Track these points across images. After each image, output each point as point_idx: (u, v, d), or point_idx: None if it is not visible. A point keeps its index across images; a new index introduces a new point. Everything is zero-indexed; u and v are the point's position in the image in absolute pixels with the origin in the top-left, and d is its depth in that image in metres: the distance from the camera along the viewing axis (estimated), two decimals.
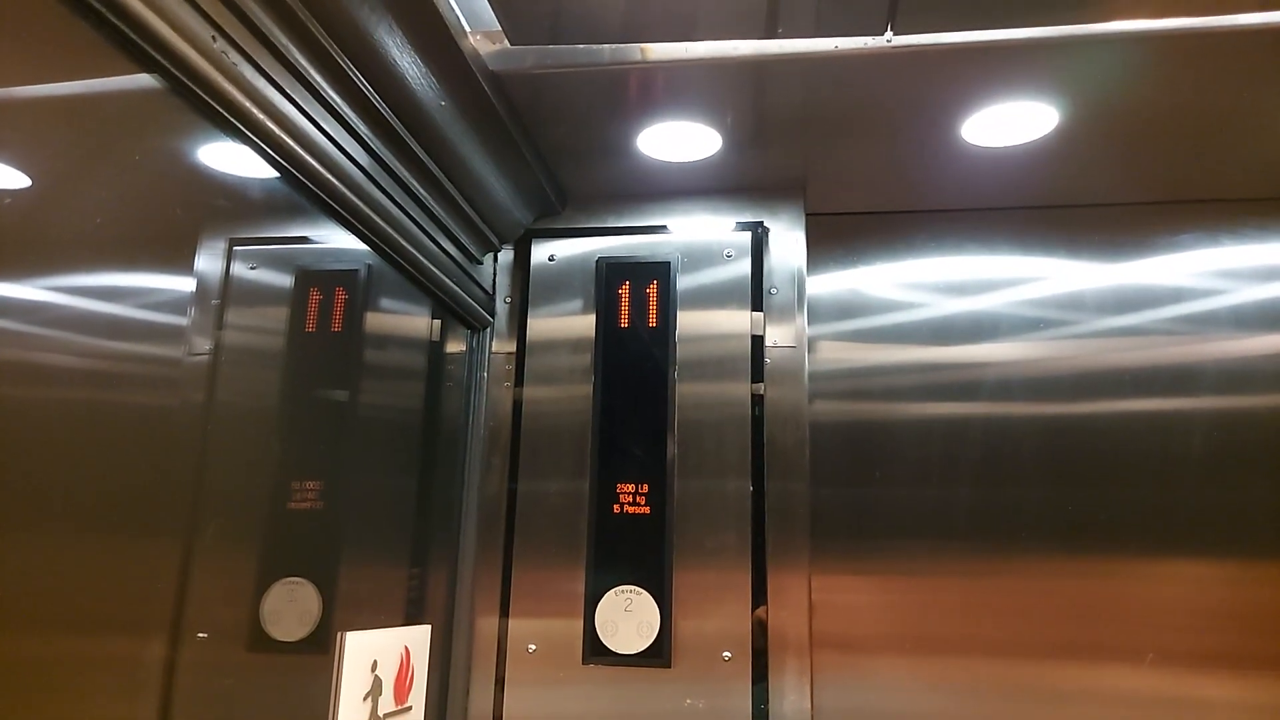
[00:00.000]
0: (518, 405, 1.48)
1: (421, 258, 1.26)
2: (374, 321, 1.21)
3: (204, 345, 0.86)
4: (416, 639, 1.24)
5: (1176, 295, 1.51)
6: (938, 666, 1.43)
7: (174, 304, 0.83)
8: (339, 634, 1.05)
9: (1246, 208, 1.52)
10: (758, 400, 1.41)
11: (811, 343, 1.52)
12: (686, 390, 1.42)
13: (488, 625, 1.41)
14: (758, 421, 1.41)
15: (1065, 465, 1.47)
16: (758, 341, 1.44)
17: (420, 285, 1.30)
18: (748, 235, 1.49)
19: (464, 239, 1.41)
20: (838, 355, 1.57)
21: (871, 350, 1.57)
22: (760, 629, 1.32)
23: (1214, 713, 1.36)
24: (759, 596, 1.34)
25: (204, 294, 0.87)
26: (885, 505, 1.50)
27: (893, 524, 1.49)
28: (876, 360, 1.56)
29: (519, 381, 1.49)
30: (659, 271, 1.47)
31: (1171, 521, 1.43)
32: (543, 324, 1.50)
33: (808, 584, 1.35)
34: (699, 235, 1.50)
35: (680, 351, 1.43)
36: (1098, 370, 1.50)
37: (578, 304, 1.50)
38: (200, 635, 0.85)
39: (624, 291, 1.47)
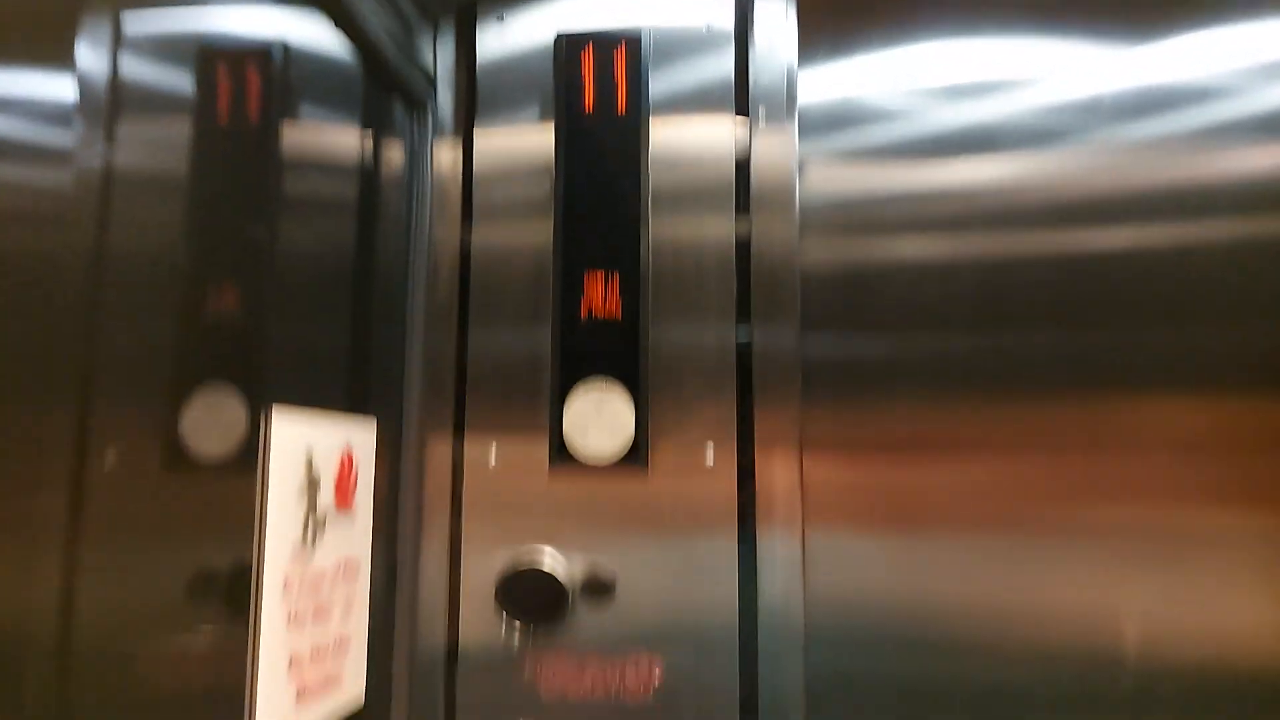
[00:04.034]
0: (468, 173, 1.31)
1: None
2: (294, 112, 1.02)
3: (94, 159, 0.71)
4: (360, 436, 1.08)
5: (1203, 95, 1.31)
6: (935, 520, 1.29)
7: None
8: (263, 410, 0.89)
9: None
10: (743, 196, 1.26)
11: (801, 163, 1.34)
12: (661, 179, 1.26)
13: (441, 439, 1.26)
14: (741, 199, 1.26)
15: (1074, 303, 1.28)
16: (742, 154, 1.28)
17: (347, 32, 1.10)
18: (730, 1, 1.30)
19: None
20: (829, 176, 1.39)
21: (868, 171, 1.38)
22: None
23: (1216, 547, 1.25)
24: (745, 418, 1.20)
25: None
26: (882, 349, 1.33)
27: (891, 370, 1.31)
28: (873, 183, 1.38)
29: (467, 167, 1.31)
30: (629, 43, 1.28)
31: (1195, 362, 1.24)
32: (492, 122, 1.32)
33: (798, 406, 1.22)
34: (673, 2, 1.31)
35: (654, 150, 1.26)
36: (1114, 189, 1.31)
37: (534, 108, 1.31)
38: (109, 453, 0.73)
39: (587, 68, 1.28)
